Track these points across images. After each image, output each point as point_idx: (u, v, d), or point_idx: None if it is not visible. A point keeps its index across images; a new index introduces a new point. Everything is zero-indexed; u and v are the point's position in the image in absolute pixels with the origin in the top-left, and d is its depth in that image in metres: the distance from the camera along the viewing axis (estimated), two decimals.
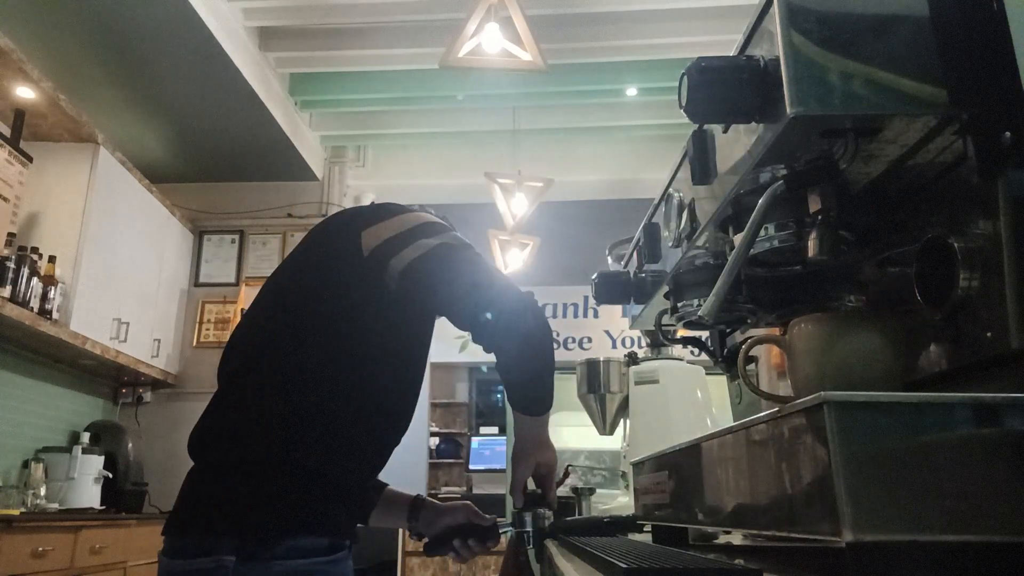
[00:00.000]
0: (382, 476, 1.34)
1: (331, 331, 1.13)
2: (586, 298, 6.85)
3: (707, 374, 1.97)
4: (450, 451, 7.47)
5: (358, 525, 1.23)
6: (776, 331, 1.05)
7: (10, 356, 3.60)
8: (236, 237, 4.99)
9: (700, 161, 0.89)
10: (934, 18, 0.64)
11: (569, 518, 1.57)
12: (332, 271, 1.17)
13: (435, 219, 1.21)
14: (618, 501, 2.10)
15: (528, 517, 1.27)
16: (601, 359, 2.18)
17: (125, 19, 3.44)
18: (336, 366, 1.11)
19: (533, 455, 1.21)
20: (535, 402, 1.18)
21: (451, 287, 1.12)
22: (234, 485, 1.04)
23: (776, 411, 0.57)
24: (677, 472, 0.89)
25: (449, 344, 6.89)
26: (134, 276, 4.14)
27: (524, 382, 1.16)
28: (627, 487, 1.96)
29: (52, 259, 3.45)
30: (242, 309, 4.65)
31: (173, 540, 1.04)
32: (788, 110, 0.63)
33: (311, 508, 1.05)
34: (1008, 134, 0.59)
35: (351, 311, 1.14)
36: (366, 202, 3.71)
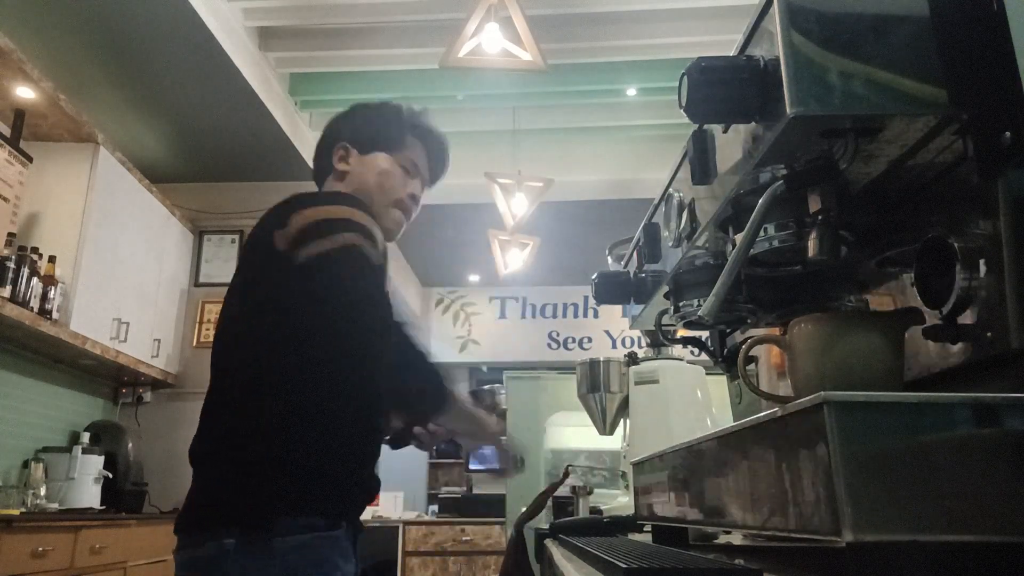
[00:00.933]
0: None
1: (331, 331, 1.15)
2: (586, 298, 6.85)
3: (707, 374, 1.97)
4: (450, 451, 7.46)
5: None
6: (776, 331, 1.05)
7: (10, 356, 3.60)
8: (236, 237, 4.99)
9: (700, 161, 0.89)
10: (934, 18, 0.64)
11: (568, 519, 1.58)
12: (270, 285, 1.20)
13: (346, 214, 1.18)
14: (618, 501, 2.10)
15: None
16: (601, 359, 2.18)
17: (125, 19, 3.44)
18: (335, 366, 1.15)
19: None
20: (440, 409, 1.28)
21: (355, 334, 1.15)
22: (235, 480, 1.10)
23: (776, 411, 0.57)
24: (677, 472, 0.89)
25: (449, 344, 6.89)
26: (134, 276, 4.14)
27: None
28: (627, 487, 1.96)
29: (52, 259, 3.45)
30: None
31: (181, 537, 1.11)
32: (788, 110, 0.63)
33: (308, 493, 1.11)
34: (1008, 134, 0.59)
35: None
36: None
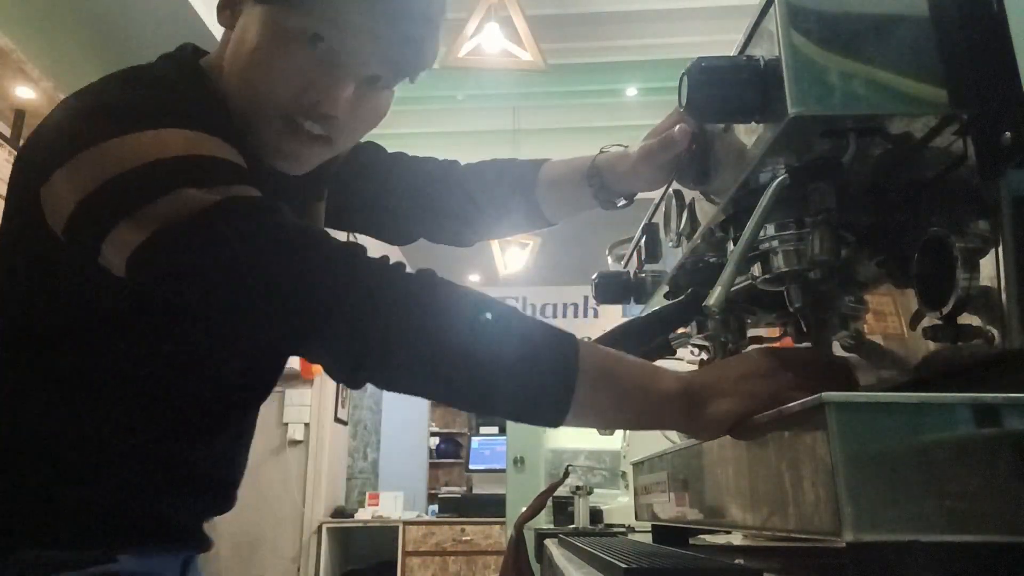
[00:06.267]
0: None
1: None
2: (586, 298, 6.86)
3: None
4: (450, 451, 7.46)
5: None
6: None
7: None
8: None
9: (700, 161, 0.89)
10: (934, 18, 0.64)
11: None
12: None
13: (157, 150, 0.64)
14: (618, 501, 2.10)
15: None
16: None
17: (125, 19, 3.44)
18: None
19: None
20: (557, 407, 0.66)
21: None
22: None
23: (776, 411, 0.57)
24: (677, 472, 0.90)
25: None
26: None
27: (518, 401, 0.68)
28: (627, 487, 1.96)
29: None
30: None
31: None
32: (789, 110, 0.63)
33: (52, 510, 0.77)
34: (1008, 134, 0.59)
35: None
36: None
